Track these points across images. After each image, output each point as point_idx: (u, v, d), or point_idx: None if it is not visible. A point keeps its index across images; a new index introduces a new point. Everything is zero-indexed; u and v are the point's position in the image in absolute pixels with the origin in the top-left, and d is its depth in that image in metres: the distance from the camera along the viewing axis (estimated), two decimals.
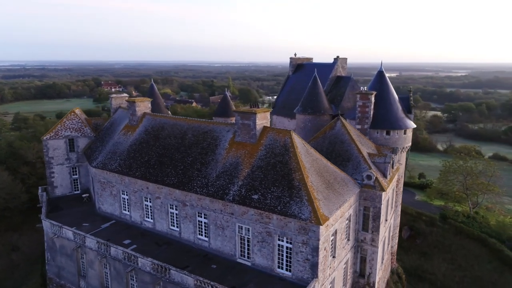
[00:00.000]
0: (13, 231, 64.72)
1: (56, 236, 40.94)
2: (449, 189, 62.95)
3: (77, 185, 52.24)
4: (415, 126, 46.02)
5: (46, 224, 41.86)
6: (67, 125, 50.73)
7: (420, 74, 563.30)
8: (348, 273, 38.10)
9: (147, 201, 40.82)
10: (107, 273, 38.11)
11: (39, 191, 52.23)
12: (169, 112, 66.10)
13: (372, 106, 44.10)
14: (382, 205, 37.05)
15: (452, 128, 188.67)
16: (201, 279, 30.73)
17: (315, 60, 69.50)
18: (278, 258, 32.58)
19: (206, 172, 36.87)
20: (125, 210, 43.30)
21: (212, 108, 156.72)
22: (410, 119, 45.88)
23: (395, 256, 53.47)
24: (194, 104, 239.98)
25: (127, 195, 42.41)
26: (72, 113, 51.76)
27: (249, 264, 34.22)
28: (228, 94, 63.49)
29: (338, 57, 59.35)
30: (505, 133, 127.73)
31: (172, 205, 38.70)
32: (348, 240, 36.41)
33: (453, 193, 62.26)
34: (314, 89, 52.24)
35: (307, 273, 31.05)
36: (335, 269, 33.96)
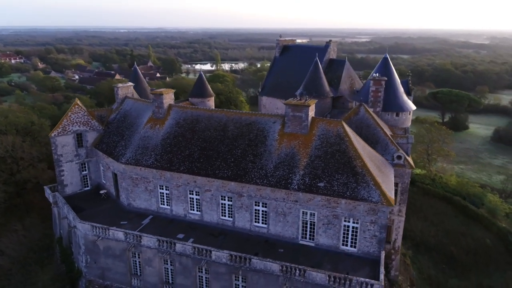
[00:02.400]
0: None
1: (100, 238, 39.80)
2: (417, 156, 72.27)
3: (87, 181, 49.85)
4: (415, 107, 52.18)
5: (85, 227, 40.25)
6: (73, 119, 47.54)
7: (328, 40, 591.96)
8: None
9: (193, 194, 41.44)
10: (167, 269, 38.66)
11: (47, 191, 48.99)
12: None
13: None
14: (409, 181, 42.70)
15: None
16: (287, 264, 33.56)
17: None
18: (343, 237, 36.58)
19: (262, 164, 38.73)
20: (163, 205, 43.32)
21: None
22: (410, 100, 51.83)
23: None
24: (117, 77, 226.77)
25: (167, 189, 42.38)
26: (76, 106, 48.41)
27: (312, 244, 37.71)
28: (201, 73, 59.97)
29: (330, 40, 62.90)
30: (426, 99, 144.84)
31: (224, 197, 40.04)
32: None
33: (420, 159, 71.65)
34: (316, 73, 55.48)
35: (373, 247, 35.62)
36: None
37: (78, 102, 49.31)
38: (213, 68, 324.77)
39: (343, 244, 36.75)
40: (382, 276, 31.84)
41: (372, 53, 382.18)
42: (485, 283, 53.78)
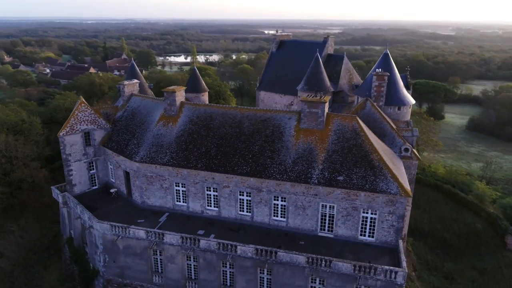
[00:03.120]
0: None
1: (120, 237, 39.83)
2: None
3: (95, 180, 49.36)
4: (414, 101, 54.38)
5: (104, 226, 40.12)
6: (80, 117, 46.87)
7: (301, 32, 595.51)
8: None
9: (210, 191, 42.00)
10: (190, 265, 39.22)
11: (55, 191, 48.25)
12: (152, 93, 63.87)
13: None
14: (415, 172, 44.83)
15: None
16: (313, 255, 34.88)
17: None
18: (361, 228, 38.25)
19: (280, 159, 39.74)
20: (179, 202, 43.66)
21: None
22: (409, 94, 53.98)
23: None
24: (92, 70, 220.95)
25: (183, 187, 42.73)
26: (82, 104, 47.70)
27: (331, 236, 39.21)
28: (195, 68, 60.21)
29: (328, 36, 64.15)
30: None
31: (243, 192, 40.84)
32: None
33: None
34: (317, 69, 56.76)
35: (390, 236, 37.49)
36: None
37: (83, 100, 48.57)
38: (187, 60, 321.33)
39: (361, 235, 38.43)
40: (404, 264, 33.70)
41: (345, 45, 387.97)
42: (478, 265, 57.13)
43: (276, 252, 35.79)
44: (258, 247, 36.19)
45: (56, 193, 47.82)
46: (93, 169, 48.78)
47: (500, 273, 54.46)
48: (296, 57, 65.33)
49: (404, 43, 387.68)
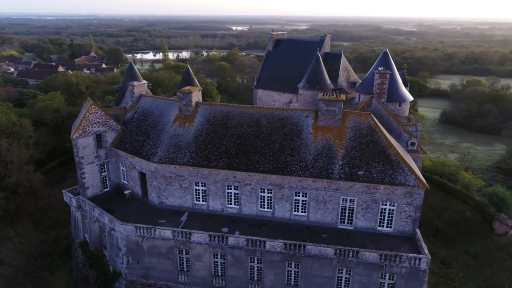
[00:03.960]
0: None
1: (145, 238, 40.05)
2: None
3: (106, 182, 48.99)
4: (412, 98, 57.20)
5: (128, 228, 40.18)
6: (92, 119, 46.36)
7: (268, 28, 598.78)
8: None
9: (231, 189, 42.89)
10: (217, 262, 40.04)
11: (67, 195, 47.52)
12: (151, 92, 63.62)
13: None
14: (421, 165, 47.51)
15: None
16: (341, 247, 36.65)
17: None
18: (380, 219, 40.40)
19: (300, 156, 41.19)
20: (199, 201, 44.26)
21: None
22: (407, 91, 56.75)
23: None
24: (60, 69, 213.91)
25: (203, 186, 43.37)
26: (92, 106, 47.20)
27: (351, 228, 41.15)
28: (188, 66, 60.63)
29: (326, 35, 65.97)
30: None
31: (264, 189, 42.01)
32: None
33: None
34: (318, 67, 58.48)
35: (408, 226, 39.86)
36: None
37: (92, 101, 48.05)
38: (156, 58, 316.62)
39: (379, 226, 40.59)
40: (426, 250, 36.08)
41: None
42: (470, 250, 61.00)
43: (304, 246, 37.29)
44: (287, 241, 37.55)
45: (68, 196, 47.12)
46: (105, 171, 48.40)
47: (492, 256, 58.44)
48: (293, 55, 66.83)
49: (370, 39, 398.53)
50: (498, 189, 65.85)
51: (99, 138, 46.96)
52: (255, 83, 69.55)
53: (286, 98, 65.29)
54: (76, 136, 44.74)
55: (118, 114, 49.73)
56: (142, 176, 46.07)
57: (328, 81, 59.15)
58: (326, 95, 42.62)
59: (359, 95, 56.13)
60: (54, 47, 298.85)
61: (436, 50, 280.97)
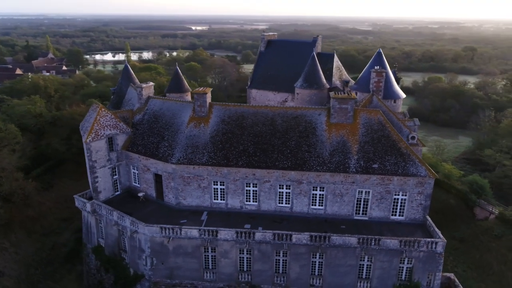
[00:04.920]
0: None
1: (171, 238, 40.46)
2: None
3: (117, 185, 48.64)
4: (405, 95, 60.72)
5: (153, 229, 40.39)
6: (103, 122, 45.93)
7: (228, 28, 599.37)
8: None
9: (250, 187, 44.14)
10: (242, 258, 41.16)
11: (80, 200, 46.72)
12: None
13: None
14: (421, 157, 50.84)
15: None
16: (364, 236, 38.99)
17: None
18: (393, 208, 43.18)
19: (317, 152, 43.16)
20: (217, 200, 45.13)
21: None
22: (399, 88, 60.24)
23: None
24: (18, 71, 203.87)
25: (222, 185, 44.31)
26: (102, 109, 46.76)
27: (366, 218, 43.67)
28: (177, 68, 60.50)
29: (318, 36, 68.37)
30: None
31: (283, 185, 43.62)
32: None
33: None
34: (315, 67, 60.89)
35: (419, 214, 42.91)
36: None
37: (101, 104, 47.59)
38: (116, 59, 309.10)
39: (392, 215, 43.36)
40: (441, 234, 39.16)
41: None
42: (456, 235, 65.70)
43: (329, 237, 39.30)
44: (312, 233, 39.39)
45: (82, 201, 46.35)
46: (116, 174, 48.05)
47: (478, 239, 63.33)
48: (286, 55, 68.76)
49: (329, 38, 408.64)
50: (477, 178, 71.14)
51: (110, 141, 46.61)
52: (249, 83, 70.88)
53: (281, 97, 67.15)
54: (89, 140, 44.22)
55: (126, 116, 49.47)
56: (157, 177, 46.24)
57: (324, 80, 61.64)
58: (338, 94, 44.80)
59: (356, 93, 58.85)
60: (6, 49, 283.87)
61: (393, 48, 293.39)
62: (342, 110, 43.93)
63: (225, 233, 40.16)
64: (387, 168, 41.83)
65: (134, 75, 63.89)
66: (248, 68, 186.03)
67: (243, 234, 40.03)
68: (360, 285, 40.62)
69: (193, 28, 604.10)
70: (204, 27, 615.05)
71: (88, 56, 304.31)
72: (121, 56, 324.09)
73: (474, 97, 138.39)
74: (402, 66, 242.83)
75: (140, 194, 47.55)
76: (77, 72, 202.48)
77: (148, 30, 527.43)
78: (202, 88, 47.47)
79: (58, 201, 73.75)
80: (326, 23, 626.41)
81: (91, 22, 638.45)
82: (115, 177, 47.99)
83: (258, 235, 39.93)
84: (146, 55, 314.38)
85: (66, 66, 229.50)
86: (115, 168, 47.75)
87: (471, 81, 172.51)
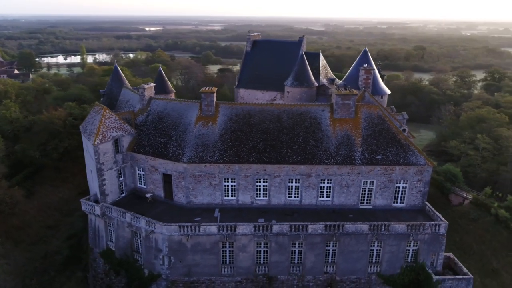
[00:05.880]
0: None
1: (190, 236, 41.00)
2: None
3: (122, 187, 48.20)
4: (390, 91, 64.49)
5: (171, 228, 40.71)
6: (108, 124, 45.43)
7: (184, 28, 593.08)
8: None
9: (260, 182, 45.52)
10: (260, 251, 42.48)
11: (86, 205, 45.87)
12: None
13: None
14: None
15: None
16: (374, 223, 41.66)
17: None
18: (394, 196, 46.28)
19: (324, 146, 45.36)
20: (227, 196, 46.11)
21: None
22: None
23: None
24: None
25: (233, 181, 45.37)
26: (107, 111, 46.24)
27: (370, 207, 46.46)
28: (161, 69, 62.29)
29: (304, 36, 70.71)
30: None
31: (292, 179, 45.41)
32: None
33: None
34: (304, 65, 63.31)
35: (418, 200, 46.32)
36: None
37: (103, 106, 47.04)
38: (69, 61, 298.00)
39: (394, 202, 46.45)
40: (442, 217, 42.65)
41: (234, 41, 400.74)
42: None
43: (343, 225, 41.61)
44: (327, 223, 41.53)
45: (90, 205, 45.52)
46: (121, 176, 47.64)
47: (456, 223, 68.37)
48: (273, 55, 70.57)
49: (285, 38, 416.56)
50: (451, 167, 76.64)
51: (116, 143, 46.19)
52: (236, 83, 72.02)
53: (270, 96, 68.91)
54: (98, 142, 43.66)
55: (128, 118, 49.13)
56: (166, 177, 46.44)
57: (313, 78, 64.16)
58: (340, 91, 47.26)
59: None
60: None
61: (349, 48, 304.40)
62: (345, 105, 46.41)
63: (243, 228, 41.31)
64: (390, 159, 44.81)
65: (124, 76, 63.17)
66: (213, 69, 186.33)
67: (261, 228, 41.38)
68: (371, 269, 43.27)
69: (147, 29, 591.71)
70: (158, 28, 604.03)
71: (37, 59, 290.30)
72: (73, 59, 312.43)
73: (431, 93, 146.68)
74: None
75: (148, 195, 47.45)
76: (30, 76, 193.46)
77: (100, 31, 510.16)
78: (208, 87, 48.12)
79: (41, 208, 71.26)
80: (280, 24, 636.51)
81: (36, 24, 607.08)
82: (120, 179, 47.55)
83: (276, 227, 41.45)
84: (102, 57, 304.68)
85: (18, 70, 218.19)
86: (120, 170, 47.31)
87: (425, 78, 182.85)
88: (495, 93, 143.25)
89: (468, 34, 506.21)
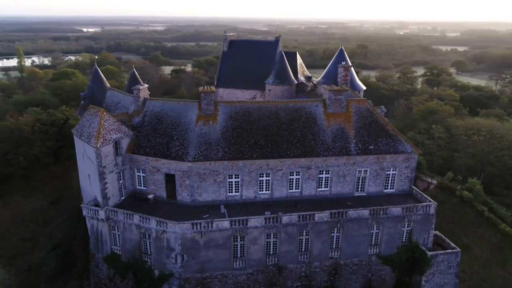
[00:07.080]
0: None
1: (203, 232, 41.69)
2: None
3: (122, 190, 47.56)
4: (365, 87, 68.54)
5: (184, 226, 41.11)
6: (107, 126, 44.70)
7: (124, 29, 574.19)
8: None
9: (263, 177, 47.18)
10: (269, 242, 44.12)
11: (88, 210, 44.72)
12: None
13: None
14: None
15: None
16: (374, 208, 44.98)
17: None
18: (385, 183, 50.05)
19: (321, 139, 48.00)
20: (231, 192, 47.24)
21: None
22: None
23: None
24: None
25: (237, 177, 46.59)
26: (105, 113, 45.43)
27: (364, 194, 49.87)
28: (134, 70, 61.65)
29: (280, 36, 72.91)
30: None
31: (293, 172, 47.57)
32: None
33: None
34: (284, 64, 65.73)
35: (405, 185, 50.45)
36: None
37: (100, 108, 46.17)
38: (3, 65, 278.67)
39: (385, 188, 50.21)
40: (430, 199, 46.97)
41: (181, 41, 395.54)
42: None
43: (346, 212, 44.47)
44: (332, 211, 44.16)
45: (93, 210, 44.41)
46: (121, 179, 47.03)
47: None
48: (250, 55, 72.08)
49: None
50: None
51: (116, 145, 45.57)
52: (215, 82, 72.69)
53: (250, 94, 70.45)
54: (100, 145, 42.89)
55: (124, 119, 48.50)
56: (168, 177, 46.58)
57: (293, 76, 66.74)
58: (332, 87, 50.14)
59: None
60: None
61: (296, 48, 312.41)
62: (337, 100, 49.35)
63: (255, 221, 42.77)
64: (381, 148, 48.43)
65: (104, 78, 61.66)
66: (166, 70, 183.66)
67: (271, 220, 43.08)
68: (371, 251, 46.58)
69: (85, 30, 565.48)
70: (97, 29, 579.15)
71: None
72: (6, 62, 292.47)
73: (380, 89, 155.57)
74: (307, 64, 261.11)
75: (150, 196, 47.25)
76: None
77: (33, 33, 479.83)
78: (207, 87, 48.81)
79: (14, 220, 67.84)
80: (224, 24, 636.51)
81: None
82: (120, 182, 46.92)
83: (285, 218, 43.36)
84: (39, 60, 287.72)
85: None
86: (120, 173, 46.69)
87: (372, 75, 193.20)
88: (435, 88, 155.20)
89: (401, 33, 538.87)
